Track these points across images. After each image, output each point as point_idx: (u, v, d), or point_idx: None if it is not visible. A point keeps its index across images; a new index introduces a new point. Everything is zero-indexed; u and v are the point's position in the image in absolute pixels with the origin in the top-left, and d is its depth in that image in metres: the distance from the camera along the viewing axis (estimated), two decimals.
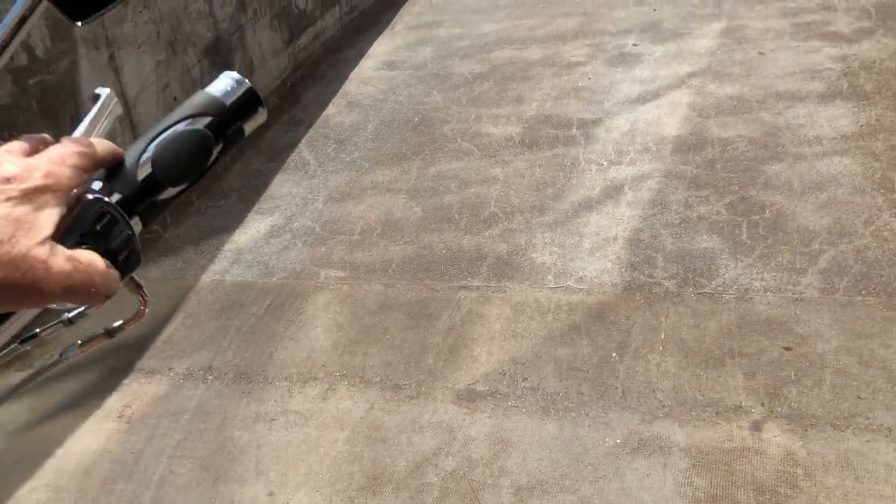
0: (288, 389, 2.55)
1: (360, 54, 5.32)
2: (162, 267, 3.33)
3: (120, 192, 0.52)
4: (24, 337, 0.60)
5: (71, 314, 0.63)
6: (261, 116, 0.61)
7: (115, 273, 0.50)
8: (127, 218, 0.51)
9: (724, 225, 3.04)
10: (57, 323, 0.64)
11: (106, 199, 0.50)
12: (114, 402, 2.60)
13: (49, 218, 0.46)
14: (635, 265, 2.89)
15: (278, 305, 2.98)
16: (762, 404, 2.23)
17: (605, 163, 3.60)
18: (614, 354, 2.49)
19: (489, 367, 2.52)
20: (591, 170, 3.56)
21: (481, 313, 2.77)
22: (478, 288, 2.90)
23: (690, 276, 2.79)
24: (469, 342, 2.64)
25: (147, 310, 0.63)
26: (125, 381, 2.70)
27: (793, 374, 2.32)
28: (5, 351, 0.56)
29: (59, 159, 0.49)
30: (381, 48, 5.38)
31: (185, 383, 2.64)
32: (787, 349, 2.41)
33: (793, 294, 2.63)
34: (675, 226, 3.07)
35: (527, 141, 3.88)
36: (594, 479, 2.06)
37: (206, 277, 3.24)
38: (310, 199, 3.69)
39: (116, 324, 0.65)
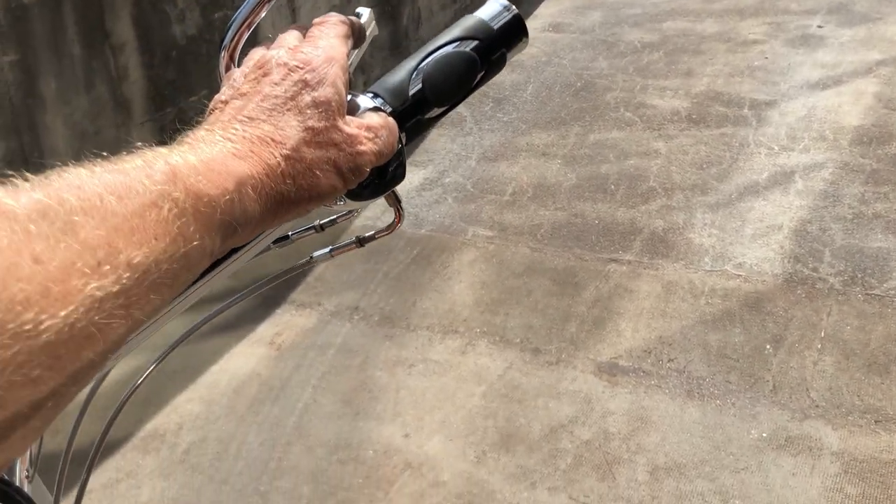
0: (429, 339, 2.59)
1: (526, 14, 5.26)
2: (319, 216, 3.43)
3: (391, 106, 0.53)
4: (277, 238, 0.62)
5: (323, 221, 0.65)
6: (523, 45, 0.60)
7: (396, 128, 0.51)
8: (399, 131, 0.52)
9: None
10: (309, 228, 0.66)
11: (386, 108, 0.51)
12: (265, 329, 2.72)
13: (344, 88, 0.47)
14: (799, 257, 2.74)
15: (425, 256, 3.02)
16: None
17: (776, 147, 3.42)
18: (768, 346, 2.38)
19: (634, 343, 2.47)
20: (760, 153, 3.39)
21: (630, 288, 2.71)
22: (629, 262, 2.84)
23: (859, 276, 2.62)
24: (615, 315, 2.59)
25: (401, 223, 0.64)
26: (277, 311, 2.81)
27: None
28: (262, 251, 0.58)
29: (332, 32, 0.49)
30: (548, 10, 5.30)
31: (333, 320, 2.73)
32: None
33: None
34: (847, 220, 2.89)
35: (694, 117, 3.74)
36: (735, 469, 1.99)
37: (358, 221, 3.32)
38: (463, 156, 3.70)
39: (368, 234, 0.67)
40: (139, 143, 0.39)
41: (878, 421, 2.10)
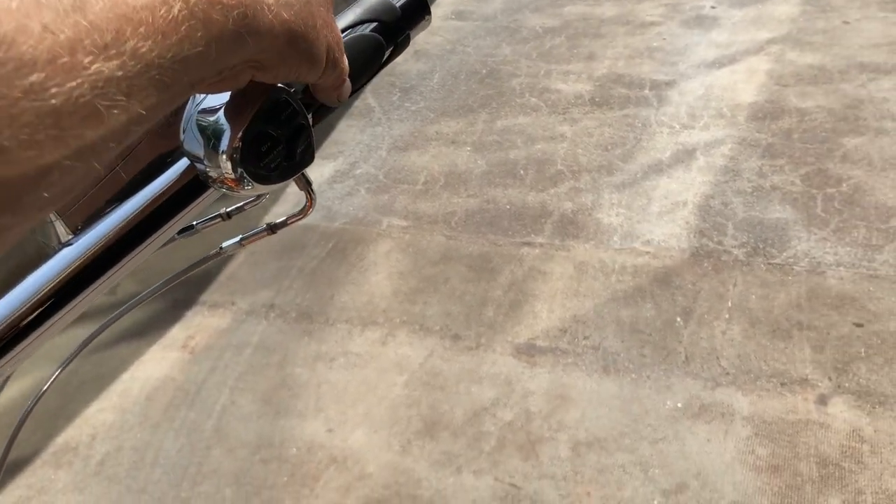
0: (348, 332, 2.57)
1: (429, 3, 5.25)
2: (226, 203, 3.36)
3: (298, 87, 0.52)
4: (183, 229, 0.60)
5: (230, 209, 0.63)
6: (427, 23, 0.60)
7: (349, 86, 0.50)
8: (305, 111, 0.50)
9: (799, 196, 2.96)
10: (216, 217, 0.64)
11: (290, 89, 0.50)
12: (177, 332, 2.65)
13: None
14: (704, 231, 2.84)
15: (340, 250, 3.00)
16: (829, 379, 2.18)
17: (677, 126, 3.52)
18: (679, 319, 2.46)
19: (550, 323, 2.51)
20: (662, 132, 3.49)
21: (544, 270, 2.75)
22: (541, 245, 2.88)
23: (761, 246, 2.73)
24: (530, 298, 2.63)
25: (313, 207, 0.63)
26: (188, 313, 2.74)
27: (863, 350, 2.26)
28: (167, 242, 0.56)
29: None
30: None
31: (248, 319, 2.68)
32: (859, 325, 2.35)
33: (867, 270, 2.56)
34: (747, 194, 3.00)
35: (597, 99, 3.81)
36: (653, 440, 2.05)
37: (269, 217, 3.26)
38: (374, 147, 3.68)
39: (280, 220, 0.65)
40: None
41: (784, 384, 2.19)
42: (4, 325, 0.42)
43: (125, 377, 2.44)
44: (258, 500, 2.00)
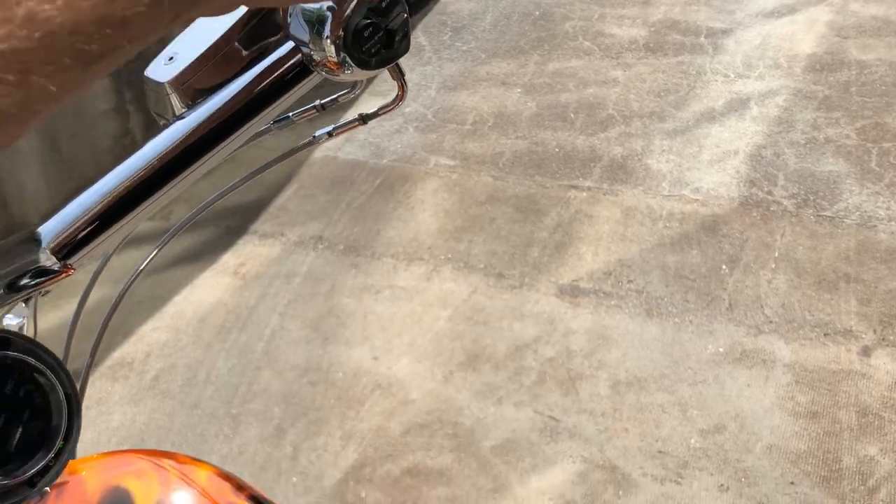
0: (394, 266, 2.62)
1: None
2: (277, 138, 3.39)
3: None
4: (278, 118, 0.63)
5: (324, 101, 0.66)
6: None
7: None
8: (405, 2, 0.53)
9: (853, 149, 2.91)
10: (311, 108, 0.67)
11: None
12: (229, 259, 2.72)
13: None
14: (754, 181, 2.81)
15: (388, 186, 3.03)
16: (874, 331, 2.18)
17: (732, 75, 3.46)
18: (724, 267, 2.46)
19: (594, 266, 2.53)
20: (716, 80, 3.44)
21: (590, 214, 2.76)
22: (589, 189, 2.88)
23: (811, 198, 2.70)
24: (576, 240, 2.64)
25: (405, 98, 0.65)
26: (240, 242, 2.81)
27: None
28: (263, 132, 0.59)
29: None
30: None
31: (297, 249, 2.73)
32: None
33: None
34: (800, 145, 2.96)
35: (651, 45, 3.76)
36: (693, 382, 2.08)
37: (319, 153, 3.31)
38: (423, 86, 3.68)
39: (371, 110, 0.68)
40: None
41: (827, 334, 2.19)
42: (126, 185, 0.45)
43: (178, 299, 2.52)
44: (305, 420, 2.08)
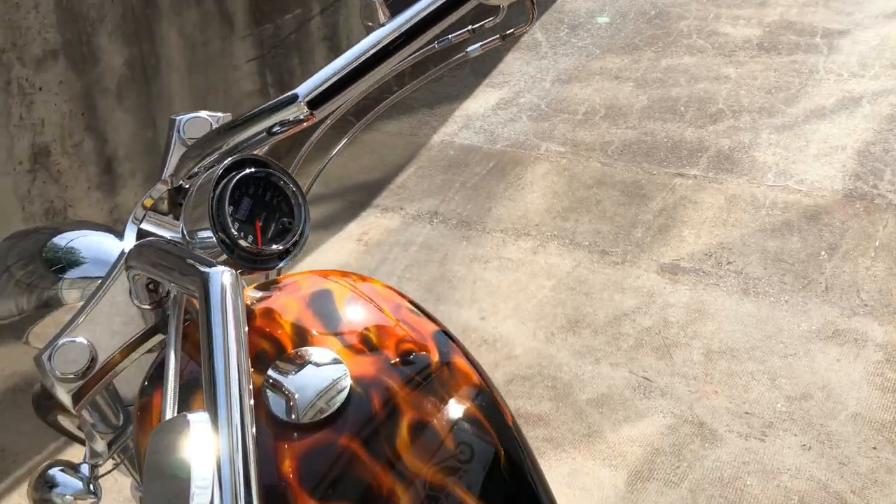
0: (503, 240, 2.81)
1: None
2: (399, 123, 3.65)
3: None
4: (439, 40, 0.83)
5: (504, 33, 0.86)
6: None
7: None
8: None
9: None
10: (464, 31, 0.87)
11: None
12: (353, 228, 2.98)
13: None
14: (860, 175, 2.87)
15: (500, 169, 3.22)
16: None
17: (845, 74, 3.50)
18: (823, 253, 2.54)
19: (696, 247, 2.65)
20: (829, 79, 3.48)
21: (695, 200, 2.88)
22: (695, 177, 3.00)
23: None
24: (679, 223, 2.77)
25: (535, 20, 0.84)
26: (363, 213, 3.06)
27: None
28: (422, 51, 0.79)
29: None
30: None
31: (414, 222, 2.96)
32: None
33: None
34: None
35: (765, 44, 3.82)
36: (784, 355, 2.18)
37: (437, 137, 3.53)
38: (538, 78, 3.86)
39: (508, 31, 0.88)
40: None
41: None
42: (354, 61, 0.65)
43: (308, 260, 2.79)
44: None
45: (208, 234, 0.62)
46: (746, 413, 2.01)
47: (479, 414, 0.65)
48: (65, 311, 0.89)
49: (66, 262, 0.89)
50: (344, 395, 0.61)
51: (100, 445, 0.88)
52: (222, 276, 0.52)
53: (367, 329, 0.67)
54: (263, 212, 0.64)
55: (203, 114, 0.78)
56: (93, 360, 0.69)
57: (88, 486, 0.87)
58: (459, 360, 0.68)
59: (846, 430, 1.93)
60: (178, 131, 0.77)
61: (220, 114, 0.79)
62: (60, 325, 0.77)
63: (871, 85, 3.39)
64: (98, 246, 0.90)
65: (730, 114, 3.34)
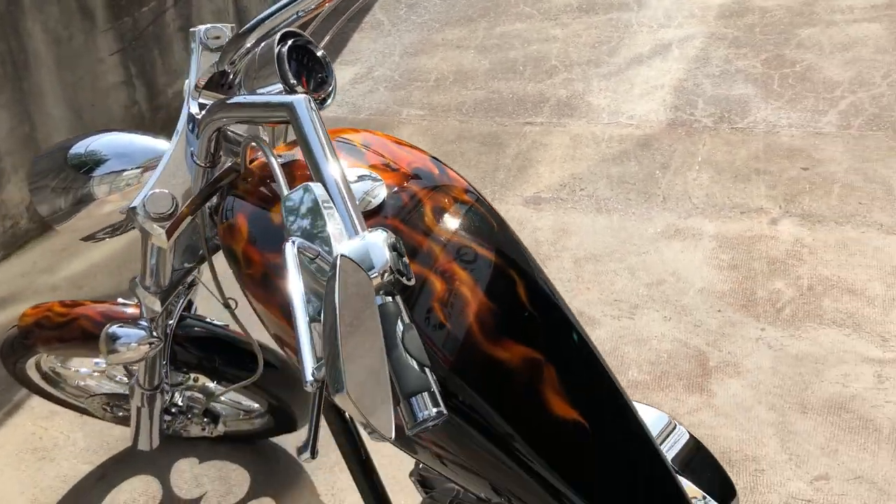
0: None
1: None
2: None
3: None
4: None
5: None
6: None
7: None
8: None
9: (759, 76, 3.46)
10: None
11: None
12: None
13: None
14: (679, 107, 3.34)
15: None
16: (780, 207, 2.71)
17: (655, 26, 4.00)
18: (658, 172, 2.97)
19: (552, 181, 3.02)
20: (642, 31, 3.97)
21: (544, 143, 3.25)
22: (541, 124, 3.37)
23: (726, 115, 3.24)
24: (535, 163, 3.13)
25: None
26: None
27: (807, 186, 2.79)
28: None
29: None
30: None
31: None
32: (805, 169, 2.87)
33: (814, 129, 3.08)
34: (715, 77, 3.50)
35: (584, 7, 4.28)
36: (637, 253, 2.58)
37: None
38: (387, 54, 4.14)
39: None
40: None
41: (743, 212, 2.71)
42: None
43: None
44: None
45: (275, 86, 0.85)
46: (615, 300, 2.39)
47: (475, 202, 0.92)
48: (98, 205, 1.09)
49: (91, 163, 1.08)
50: (382, 193, 0.87)
51: (153, 302, 1.09)
52: (305, 100, 0.77)
53: (384, 157, 0.93)
54: (304, 71, 0.89)
55: (216, 25, 1.01)
56: (175, 205, 0.91)
57: (151, 333, 1.08)
58: (452, 173, 0.95)
59: (696, 301, 2.34)
60: (201, 39, 1.00)
61: (228, 25, 1.02)
62: (94, 218, 0.99)
63: (677, 33, 3.90)
64: (113, 144, 1.10)
65: (562, 68, 3.75)
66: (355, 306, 0.59)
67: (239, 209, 0.92)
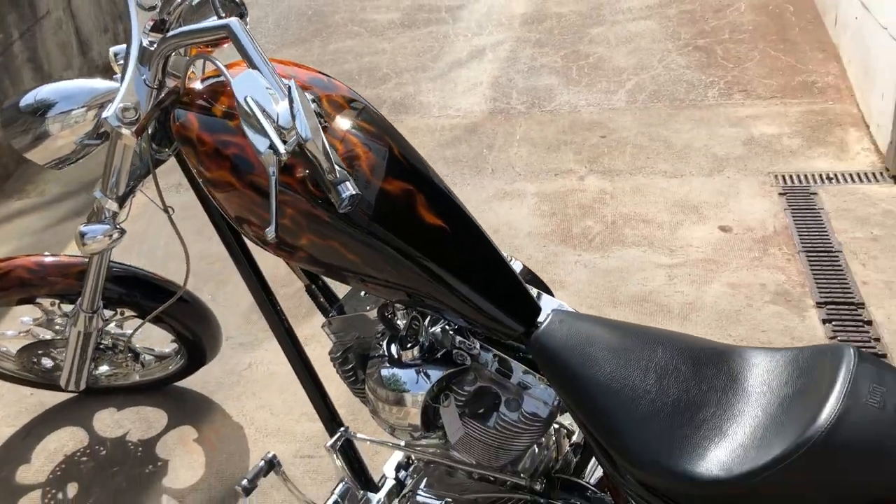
0: None
1: None
2: None
3: None
4: None
5: None
6: None
7: None
8: None
9: (560, 69, 4.06)
10: None
11: None
12: None
13: None
14: (496, 98, 3.87)
15: None
16: (585, 167, 3.26)
17: (469, 35, 4.55)
18: (485, 150, 3.47)
19: None
20: (459, 40, 4.51)
21: None
22: None
23: (536, 102, 3.80)
24: None
25: None
26: None
27: (606, 150, 3.37)
28: None
29: None
30: None
31: None
32: (603, 137, 3.46)
33: (608, 106, 3.69)
34: (524, 72, 4.07)
35: (406, 23, 4.78)
36: (476, 212, 3.02)
37: None
38: None
39: None
40: None
41: (557, 174, 3.25)
42: None
43: None
44: None
45: (211, 18, 1.22)
46: None
47: (357, 99, 1.31)
48: (53, 140, 1.40)
49: (43, 107, 1.40)
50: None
51: (112, 205, 1.41)
52: (238, 21, 1.14)
53: (289, 68, 1.31)
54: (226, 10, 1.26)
55: None
56: (139, 114, 1.25)
57: (114, 227, 1.40)
58: (341, 85, 1.34)
59: (525, 242, 2.83)
60: (137, 2, 1.34)
61: None
62: (52, 149, 1.34)
63: (489, 39, 4.47)
64: (59, 90, 1.42)
65: (394, 75, 4.21)
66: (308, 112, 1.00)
67: (188, 111, 1.26)
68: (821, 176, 3.01)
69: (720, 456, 1.06)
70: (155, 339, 2.14)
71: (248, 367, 2.36)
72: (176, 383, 2.23)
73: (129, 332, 1.93)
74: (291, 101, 1.02)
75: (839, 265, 2.53)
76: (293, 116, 1.01)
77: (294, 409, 2.18)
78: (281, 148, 1.00)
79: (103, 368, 2.05)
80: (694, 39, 4.19)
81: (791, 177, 3.03)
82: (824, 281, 2.47)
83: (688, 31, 4.29)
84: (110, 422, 2.18)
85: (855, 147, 3.16)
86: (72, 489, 1.99)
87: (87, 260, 1.76)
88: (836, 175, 3.00)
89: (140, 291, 1.86)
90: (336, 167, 1.04)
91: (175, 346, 2.09)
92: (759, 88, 3.68)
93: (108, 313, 1.85)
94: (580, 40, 4.32)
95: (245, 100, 1.04)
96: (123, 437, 2.13)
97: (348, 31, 4.77)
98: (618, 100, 3.73)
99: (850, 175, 2.99)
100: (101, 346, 1.94)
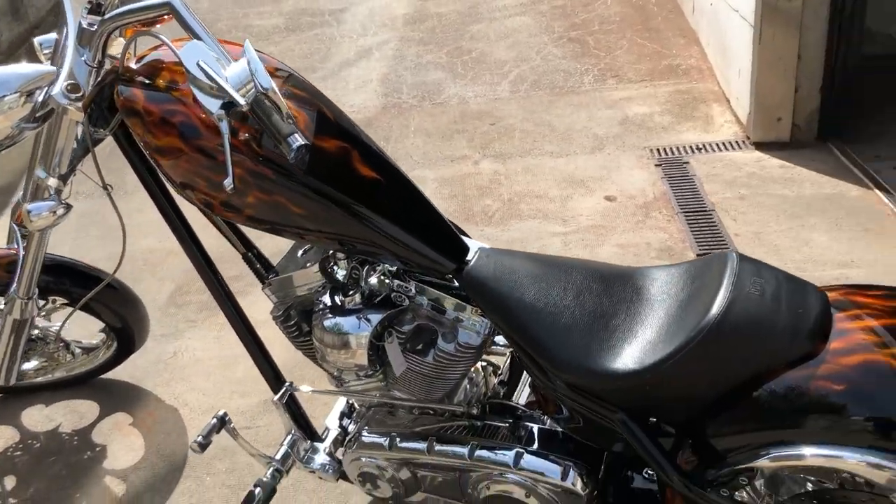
0: None
1: None
2: None
3: None
4: None
5: None
6: None
7: None
8: None
9: (445, 64, 4.25)
10: None
11: None
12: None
13: None
14: (388, 94, 4.02)
15: None
16: (479, 153, 3.46)
17: (354, 36, 4.69)
18: (382, 142, 3.61)
19: None
20: (345, 41, 4.63)
21: None
22: None
23: (426, 95, 3.97)
24: None
25: None
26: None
27: (496, 136, 3.57)
28: None
29: None
30: None
31: None
32: (492, 124, 3.66)
33: (493, 96, 3.90)
34: (412, 68, 4.24)
35: (290, 27, 4.87)
36: None
37: None
38: None
39: None
40: None
41: (453, 160, 3.42)
42: None
43: None
44: None
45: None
46: None
47: (287, 68, 1.43)
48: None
49: None
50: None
51: (56, 183, 1.48)
52: None
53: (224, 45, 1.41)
54: None
55: None
56: (83, 91, 1.33)
57: (59, 202, 1.47)
58: (267, 56, 1.46)
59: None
60: None
61: None
62: None
63: (374, 39, 4.62)
64: None
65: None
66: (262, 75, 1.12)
67: (131, 86, 1.34)
68: (691, 147, 3.31)
69: (633, 353, 1.24)
70: (82, 333, 2.17)
71: (174, 355, 2.41)
72: (102, 376, 2.26)
73: (58, 324, 1.96)
74: (249, 59, 1.14)
75: (713, 222, 2.81)
76: (252, 71, 1.13)
77: (224, 388, 2.25)
78: (241, 100, 1.11)
79: (31, 364, 2.07)
80: (567, 32, 4.47)
81: (665, 149, 3.32)
82: (701, 236, 2.74)
83: (561, 24, 4.57)
84: (40, 417, 2.19)
85: (719, 120, 3.48)
86: (9, 482, 2.00)
87: (11, 252, 1.80)
88: (704, 145, 3.31)
89: (69, 279, 1.90)
90: (286, 118, 1.17)
91: (103, 336, 2.12)
92: (630, 73, 3.98)
93: (40, 303, 1.89)
94: (462, 37, 4.53)
95: (197, 65, 1.15)
96: (56, 430, 2.15)
97: (233, 37, 4.81)
98: (502, 90, 3.95)
99: (717, 144, 3.31)
100: (32, 338, 1.96)
